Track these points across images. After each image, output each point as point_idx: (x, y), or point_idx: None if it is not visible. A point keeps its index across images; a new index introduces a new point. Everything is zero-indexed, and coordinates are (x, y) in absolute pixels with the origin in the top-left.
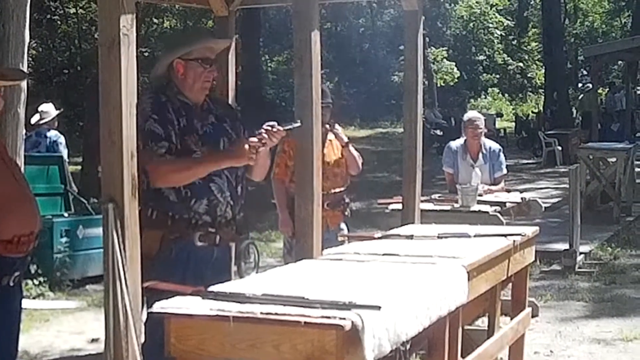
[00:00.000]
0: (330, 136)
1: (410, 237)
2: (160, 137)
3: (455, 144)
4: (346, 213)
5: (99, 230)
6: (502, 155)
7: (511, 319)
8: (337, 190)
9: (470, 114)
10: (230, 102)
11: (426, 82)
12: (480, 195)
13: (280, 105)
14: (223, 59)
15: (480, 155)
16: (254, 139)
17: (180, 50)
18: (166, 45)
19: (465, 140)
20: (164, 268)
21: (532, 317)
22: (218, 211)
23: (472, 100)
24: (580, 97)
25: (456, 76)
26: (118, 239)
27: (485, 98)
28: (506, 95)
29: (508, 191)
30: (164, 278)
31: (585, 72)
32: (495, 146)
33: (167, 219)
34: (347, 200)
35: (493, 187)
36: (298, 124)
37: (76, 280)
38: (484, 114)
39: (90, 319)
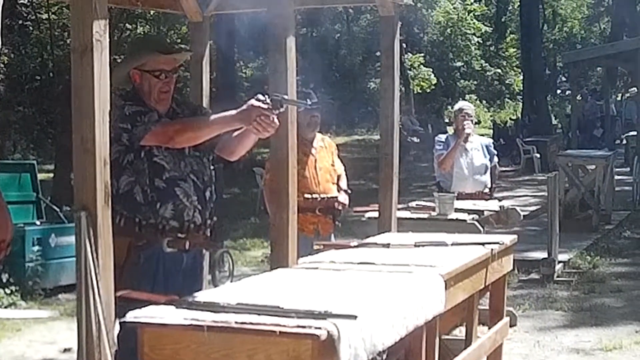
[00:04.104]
0: (321, 142)
1: (387, 245)
2: (146, 112)
3: (444, 135)
4: (337, 222)
5: (71, 239)
6: (492, 147)
7: (489, 328)
8: (330, 195)
9: (460, 104)
10: (205, 105)
11: (403, 89)
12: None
13: None
14: (197, 66)
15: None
16: (260, 103)
17: (134, 61)
18: (125, 53)
19: (455, 131)
20: (133, 276)
21: (510, 326)
22: (185, 216)
23: (449, 107)
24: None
25: (433, 83)
26: (91, 247)
27: None
28: (484, 101)
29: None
30: (133, 287)
31: (564, 79)
32: (484, 139)
33: (134, 225)
34: (338, 207)
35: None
36: (310, 103)
37: (48, 289)
38: None
39: (62, 328)
